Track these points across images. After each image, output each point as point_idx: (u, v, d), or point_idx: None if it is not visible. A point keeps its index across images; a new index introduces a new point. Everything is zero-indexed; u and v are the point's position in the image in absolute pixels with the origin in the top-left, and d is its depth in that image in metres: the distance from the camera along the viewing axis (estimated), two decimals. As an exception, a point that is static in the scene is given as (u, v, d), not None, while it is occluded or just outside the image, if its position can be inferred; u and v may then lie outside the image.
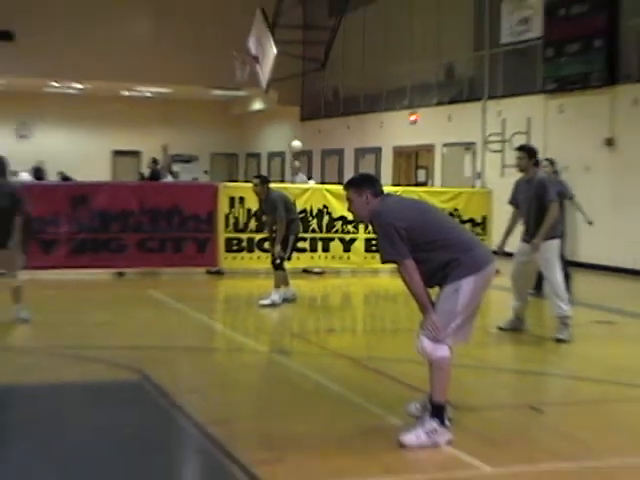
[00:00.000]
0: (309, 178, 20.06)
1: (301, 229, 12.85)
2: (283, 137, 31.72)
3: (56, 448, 5.53)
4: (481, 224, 16.20)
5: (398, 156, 24.18)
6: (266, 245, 13.55)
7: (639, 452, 5.66)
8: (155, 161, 22.48)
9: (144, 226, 14.32)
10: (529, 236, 9.45)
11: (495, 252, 9.72)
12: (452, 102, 21.78)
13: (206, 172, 33.75)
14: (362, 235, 15.29)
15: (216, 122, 33.77)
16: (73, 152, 31.25)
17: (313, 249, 15.21)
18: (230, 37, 24.67)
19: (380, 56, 24.78)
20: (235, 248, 14.82)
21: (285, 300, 11.57)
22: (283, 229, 11.48)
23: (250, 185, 12.24)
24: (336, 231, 15.36)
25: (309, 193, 15.48)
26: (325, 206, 15.31)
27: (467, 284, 5.56)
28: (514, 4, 19.54)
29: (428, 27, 22.78)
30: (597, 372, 7.93)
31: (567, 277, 10.48)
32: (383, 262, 5.80)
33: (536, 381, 7.98)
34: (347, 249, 15.45)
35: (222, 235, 14.71)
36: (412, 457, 5.38)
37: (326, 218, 15.31)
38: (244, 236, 14.82)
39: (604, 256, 16.15)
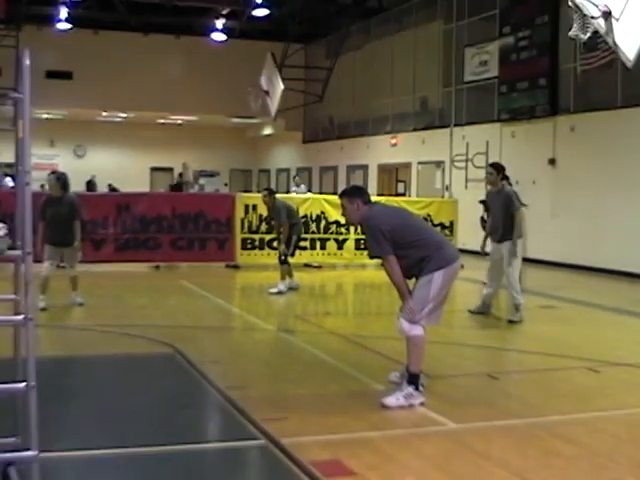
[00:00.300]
0: (309, 190, 20.14)
1: (303, 231, 12.83)
2: (289, 156, 31.78)
3: (106, 405, 5.52)
4: (449, 227, 16.17)
5: (382, 172, 24.15)
6: (274, 244, 13.52)
7: (576, 410, 5.64)
8: (181, 175, 22.53)
9: (175, 228, 14.29)
10: (498, 238, 9.44)
11: (480, 253, 9.79)
12: (425, 128, 21.76)
13: (226, 184, 33.68)
14: (352, 236, 15.26)
15: (234, 144, 33.72)
16: (119, 168, 31.18)
17: (312, 247, 15.18)
18: (246, 76, 24.67)
19: (367, 91, 24.77)
20: (249, 246, 14.78)
21: (290, 289, 11.55)
22: (286, 231, 11.46)
23: (261, 195, 12.23)
24: (331, 232, 15.33)
25: (309, 202, 15.47)
26: (322, 212, 15.27)
27: (438, 276, 5.55)
28: (475, 50, 19.56)
29: (406, 68, 22.77)
30: (542, 347, 7.91)
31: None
32: (371, 257, 5.79)
33: (493, 354, 7.97)
34: (340, 247, 15.42)
35: (239, 236, 14.67)
36: (392, 416, 5.36)
37: (323, 222, 15.27)
38: (256, 237, 14.79)
39: (546, 252, 16.16)
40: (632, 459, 4.66)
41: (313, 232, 15.15)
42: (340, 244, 15.39)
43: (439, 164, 20.85)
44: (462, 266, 5.95)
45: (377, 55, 24.39)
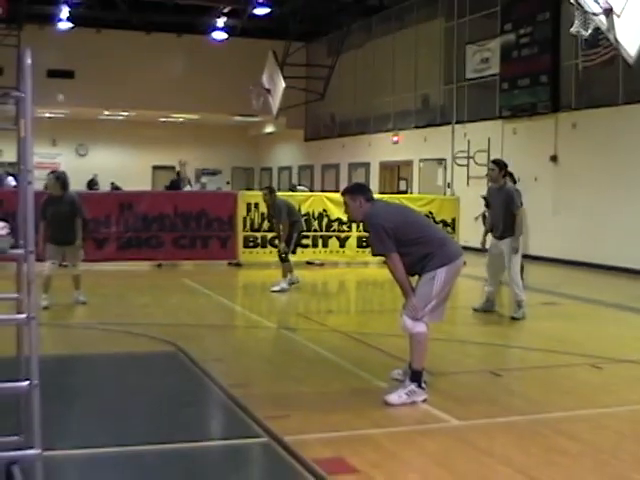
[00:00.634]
0: (310, 190, 20.20)
1: (304, 228, 12.82)
2: (291, 154, 31.75)
3: (109, 403, 5.53)
4: (451, 224, 16.15)
5: (384, 169, 24.12)
6: (276, 242, 13.51)
7: (579, 407, 5.64)
8: (178, 173, 22.52)
9: (178, 227, 14.28)
10: (498, 234, 9.43)
11: (481, 249, 9.78)
12: (427, 126, 21.72)
13: (228, 183, 33.67)
14: (355, 233, 15.25)
15: (236, 142, 33.68)
16: (121, 167, 31.14)
17: (315, 245, 15.16)
18: (247, 74, 24.65)
19: (369, 89, 24.73)
20: (251, 244, 14.77)
21: (291, 283, 11.54)
22: (286, 229, 11.45)
23: (261, 194, 12.21)
24: (333, 230, 15.32)
25: (311, 200, 15.45)
26: (324, 210, 15.25)
27: (441, 273, 5.54)
28: (476, 47, 19.52)
29: (407, 66, 22.72)
30: (544, 343, 7.91)
31: (521, 268, 10.44)
32: (374, 255, 5.79)
33: (496, 351, 7.94)
34: (342, 245, 15.40)
35: (241, 234, 14.66)
36: (395, 413, 5.35)
37: (325, 220, 15.25)
38: (258, 235, 14.77)
39: (547, 249, 16.13)
40: (636, 455, 4.66)
41: (315, 230, 15.12)
42: (342, 242, 15.37)
43: (441, 161, 20.83)
44: (465, 263, 5.94)
45: (378, 53, 24.36)
